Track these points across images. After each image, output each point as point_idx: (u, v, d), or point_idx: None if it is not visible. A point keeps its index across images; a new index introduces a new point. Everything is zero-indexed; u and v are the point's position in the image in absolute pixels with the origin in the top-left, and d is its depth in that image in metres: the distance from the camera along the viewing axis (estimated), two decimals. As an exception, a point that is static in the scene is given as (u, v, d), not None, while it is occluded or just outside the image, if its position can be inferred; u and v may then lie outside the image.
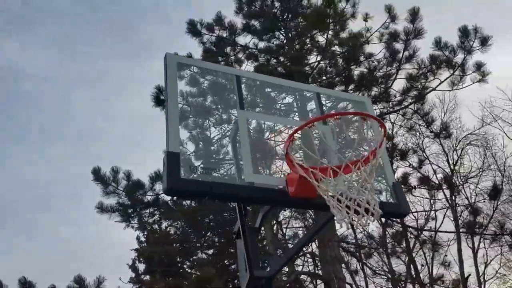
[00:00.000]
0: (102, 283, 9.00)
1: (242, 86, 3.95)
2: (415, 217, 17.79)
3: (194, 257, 15.09)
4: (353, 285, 12.84)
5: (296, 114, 7.28)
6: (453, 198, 17.68)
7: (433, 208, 17.96)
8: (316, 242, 11.83)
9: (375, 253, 13.88)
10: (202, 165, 3.32)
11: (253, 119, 3.91)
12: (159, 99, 11.38)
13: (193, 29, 11.61)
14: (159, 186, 10.84)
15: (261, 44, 12.13)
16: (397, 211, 3.78)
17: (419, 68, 9.92)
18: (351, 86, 10.25)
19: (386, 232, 16.81)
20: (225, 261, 15.52)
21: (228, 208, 14.02)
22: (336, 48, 11.35)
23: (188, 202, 13.13)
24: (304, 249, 11.36)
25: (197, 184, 3.26)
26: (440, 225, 17.69)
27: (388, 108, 10.46)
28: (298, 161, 3.19)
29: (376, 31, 11.41)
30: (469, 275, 18.40)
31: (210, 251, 15.73)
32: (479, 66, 9.94)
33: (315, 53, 11.21)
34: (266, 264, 11.03)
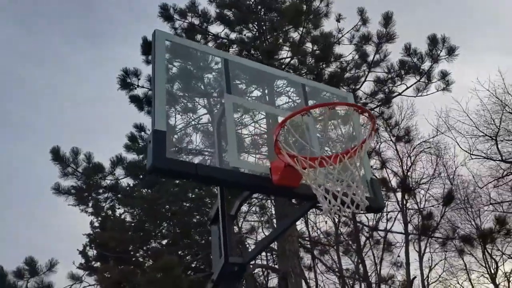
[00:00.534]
0: (55, 266, 8.71)
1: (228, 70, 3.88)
2: (367, 217, 18.28)
3: (148, 246, 14.86)
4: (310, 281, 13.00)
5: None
6: (404, 202, 18.23)
7: (385, 210, 18.46)
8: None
9: (330, 250, 14.14)
10: (187, 147, 3.24)
11: (240, 104, 3.86)
12: (126, 82, 11.13)
13: (165, 13, 11.39)
14: (119, 171, 10.60)
15: (233, 36, 12.06)
16: (373, 205, 3.83)
17: (388, 72, 10.14)
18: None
19: (339, 231, 17.20)
20: (179, 252, 15.37)
21: (187, 198, 13.87)
22: (308, 45, 11.43)
23: (147, 190, 12.89)
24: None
25: (182, 164, 3.18)
26: (391, 227, 18.21)
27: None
28: (287, 149, 3.17)
29: (347, 32, 11.57)
30: (415, 277, 19.09)
31: (164, 241, 15.54)
32: (444, 75, 10.25)
33: (286, 49, 11.24)
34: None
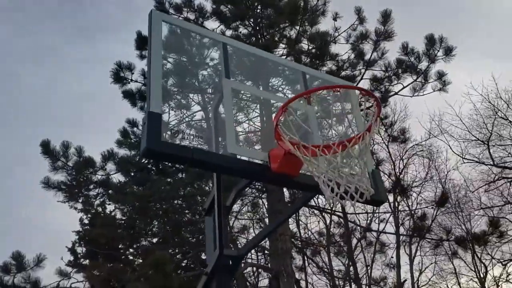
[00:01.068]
0: (42, 262, 8.50)
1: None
2: (359, 219, 18.20)
3: (138, 244, 14.64)
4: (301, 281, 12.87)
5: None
6: (396, 204, 18.19)
7: (378, 211, 18.39)
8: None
9: (321, 251, 14.03)
10: (184, 131, 3.09)
11: (239, 89, 3.72)
12: (119, 76, 10.96)
13: (161, 7, 11.23)
14: (110, 166, 10.42)
15: (229, 32, 11.92)
16: (375, 197, 3.70)
17: (385, 70, 10.04)
18: (316, 82, 10.22)
19: (330, 232, 17.12)
20: (170, 250, 15.17)
21: (178, 196, 13.69)
22: (304, 44, 11.33)
23: (138, 187, 12.68)
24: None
25: (178, 148, 3.04)
26: (383, 229, 18.15)
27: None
28: (289, 135, 3.04)
29: (344, 31, 11.48)
30: (405, 280, 19.10)
31: (155, 240, 15.33)
32: (440, 75, 10.18)
33: (282, 46, 11.13)
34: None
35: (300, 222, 17.36)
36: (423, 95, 10.28)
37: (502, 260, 20.44)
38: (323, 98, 3.55)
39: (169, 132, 3.04)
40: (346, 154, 3.06)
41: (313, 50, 10.97)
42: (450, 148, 21.58)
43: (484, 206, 20.62)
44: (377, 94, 10.32)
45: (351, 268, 17.13)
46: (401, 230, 17.97)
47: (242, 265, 11.28)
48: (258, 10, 11.69)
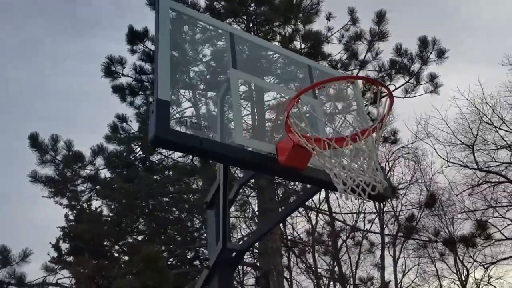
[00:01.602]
0: (28, 256, 8.32)
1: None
2: (344, 218, 18.26)
3: (124, 241, 14.45)
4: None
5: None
6: (382, 206, 18.29)
7: (363, 211, 18.46)
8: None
9: (308, 251, 14.01)
10: (192, 120, 3.02)
11: (246, 80, 3.65)
12: (110, 70, 10.81)
13: (153, 1, 11.10)
14: (100, 161, 10.27)
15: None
16: (381, 193, 3.65)
17: (379, 71, 10.07)
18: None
19: (317, 231, 17.14)
20: (156, 248, 14.99)
21: (166, 192, 13.54)
22: (297, 43, 11.31)
23: (126, 183, 12.51)
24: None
25: (186, 137, 2.96)
26: (368, 230, 18.23)
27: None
28: (300, 126, 2.99)
29: (337, 31, 11.49)
30: (389, 281, 19.27)
31: (140, 237, 15.15)
32: (432, 77, 10.24)
33: (276, 43, 11.07)
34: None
35: (286, 221, 17.39)
36: (414, 96, 10.34)
37: (484, 263, 20.66)
38: (331, 91, 3.52)
39: (177, 120, 2.96)
40: (357, 147, 3.02)
41: (306, 49, 10.95)
42: (436, 151, 21.76)
43: (467, 210, 20.86)
44: (369, 95, 10.35)
45: (336, 268, 17.21)
46: (386, 231, 18.17)
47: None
48: (252, 8, 11.63)
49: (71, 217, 14.29)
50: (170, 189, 13.74)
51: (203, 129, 3.10)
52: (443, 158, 21.49)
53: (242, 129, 3.22)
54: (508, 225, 20.16)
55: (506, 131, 20.67)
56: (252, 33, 11.81)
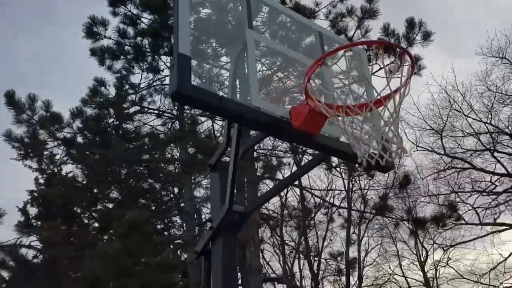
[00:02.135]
0: (2, 217, 8.09)
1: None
2: (314, 199, 18.53)
3: (95, 208, 14.20)
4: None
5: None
6: (351, 185, 18.62)
7: (331, 188, 18.74)
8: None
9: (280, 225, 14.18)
10: (212, 78, 2.95)
11: (262, 42, 3.59)
12: (92, 31, 10.47)
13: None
14: (77, 125, 9.99)
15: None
16: (386, 164, 3.69)
17: (367, 50, 10.05)
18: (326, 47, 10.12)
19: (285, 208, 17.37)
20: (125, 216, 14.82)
21: (141, 161, 13.32)
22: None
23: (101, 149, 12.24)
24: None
25: (206, 93, 2.90)
26: (337, 208, 18.55)
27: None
28: (322, 91, 2.97)
29: (324, 7, 11.41)
30: (354, 258, 19.82)
31: (111, 205, 14.93)
32: (416, 60, 10.35)
33: (261, 16, 10.93)
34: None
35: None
36: (398, 77, 10.39)
37: (443, 246, 21.41)
38: (343, 59, 3.51)
39: (197, 76, 2.88)
40: (373, 115, 3.04)
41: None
42: (406, 135, 22.15)
43: (430, 194, 21.44)
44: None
45: (303, 242, 17.55)
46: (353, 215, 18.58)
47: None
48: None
49: (41, 181, 13.99)
50: (145, 157, 13.54)
51: (221, 88, 3.04)
52: (412, 142, 21.96)
53: (258, 91, 3.18)
54: (469, 210, 20.93)
55: (474, 119, 21.22)
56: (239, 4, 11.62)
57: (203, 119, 10.67)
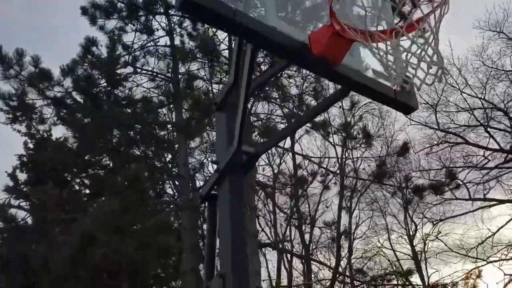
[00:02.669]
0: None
1: None
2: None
3: (85, 174, 13.82)
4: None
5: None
6: (344, 157, 18.44)
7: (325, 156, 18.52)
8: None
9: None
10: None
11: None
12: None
13: None
14: (69, 83, 9.54)
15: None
16: (409, 102, 3.38)
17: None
18: None
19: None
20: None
21: (135, 124, 12.89)
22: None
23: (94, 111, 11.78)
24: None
25: (220, 4, 2.54)
26: (334, 175, 18.34)
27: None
28: (348, 13, 2.64)
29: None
30: (345, 230, 19.84)
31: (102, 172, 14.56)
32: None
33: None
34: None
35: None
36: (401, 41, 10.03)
37: (433, 220, 21.44)
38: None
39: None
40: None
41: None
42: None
43: (422, 169, 21.29)
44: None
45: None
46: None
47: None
48: None
49: (31, 146, 13.58)
50: (137, 125, 13.12)
51: (236, 2, 2.68)
52: (406, 116, 21.68)
53: (275, 10, 2.83)
54: (459, 185, 20.83)
55: (469, 94, 20.98)
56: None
57: (199, 74, 10.15)
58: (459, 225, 21.45)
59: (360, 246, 21.57)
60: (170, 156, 13.36)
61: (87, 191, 13.51)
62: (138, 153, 13.66)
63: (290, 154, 18.04)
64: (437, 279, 20.97)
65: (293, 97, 9.93)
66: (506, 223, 19.76)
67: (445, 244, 21.20)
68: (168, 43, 11.81)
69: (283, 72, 9.51)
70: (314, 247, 19.28)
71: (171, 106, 11.21)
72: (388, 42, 2.77)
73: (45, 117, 10.91)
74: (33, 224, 9.85)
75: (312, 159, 14.03)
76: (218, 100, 3.56)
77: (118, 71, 10.82)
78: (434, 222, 21.48)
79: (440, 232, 21.76)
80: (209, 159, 14.22)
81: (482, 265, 19.45)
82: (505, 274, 18.75)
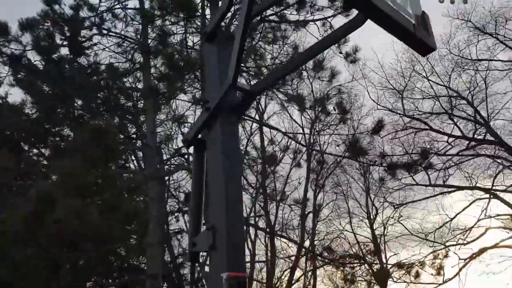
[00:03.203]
0: None
1: None
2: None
3: (43, 145, 12.97)
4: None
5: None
6: (312, 140, 18.30)
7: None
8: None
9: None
10: None
11: None
12: None
13: None
14: (28, 39, 8.75)
15: None
16: (429, 42, 3.01)
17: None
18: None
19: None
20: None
21: (96, 96, 12.14)
22: None
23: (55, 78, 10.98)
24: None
25: None
26: (297, 162, 18.21)
27: (307, 16, 9.75)
28: None
29: None
30: (310, 212, 19.87)
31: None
32: None
33: None
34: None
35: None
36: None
37: (394, 204, 21.74)
38: None
39: None
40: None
41: None
42: (368, 93, 21.94)
43: (385, 154, 21.31)
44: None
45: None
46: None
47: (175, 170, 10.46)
48: None
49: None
50: (101, 94, 12.36)
51: None
52: (374, 101, 21.77)
53: None
54: (420, 171, 21.01)
55: (434, 82, 21.14)
56: None
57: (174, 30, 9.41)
58: (419, 210, 21.81)
59: (323, 229, 21.66)
60: (135, 128, 12.70)
61: (45, 162, 12.70)
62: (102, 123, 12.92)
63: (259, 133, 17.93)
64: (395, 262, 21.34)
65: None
66: (464, 209, 20.31)
67: (405, 228, 21.54)
68: (138, 6, 11.13)
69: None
70: (283, 224, 19.36)
71: (139, 73, 10.55)
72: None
73: (0, 75, 10.05)
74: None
75: (286, 133, 13.67)
76: (208, 29, 3.09)
77: (83, 33, 10.05)
78: (395, 206, 21.77)
79: (402, 216, 22.10)
80: (178, 132, 13.68)
81: (440, 249, 19.86)
82: (460, 259, 19.33)
